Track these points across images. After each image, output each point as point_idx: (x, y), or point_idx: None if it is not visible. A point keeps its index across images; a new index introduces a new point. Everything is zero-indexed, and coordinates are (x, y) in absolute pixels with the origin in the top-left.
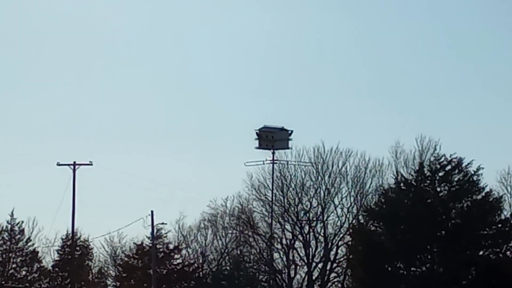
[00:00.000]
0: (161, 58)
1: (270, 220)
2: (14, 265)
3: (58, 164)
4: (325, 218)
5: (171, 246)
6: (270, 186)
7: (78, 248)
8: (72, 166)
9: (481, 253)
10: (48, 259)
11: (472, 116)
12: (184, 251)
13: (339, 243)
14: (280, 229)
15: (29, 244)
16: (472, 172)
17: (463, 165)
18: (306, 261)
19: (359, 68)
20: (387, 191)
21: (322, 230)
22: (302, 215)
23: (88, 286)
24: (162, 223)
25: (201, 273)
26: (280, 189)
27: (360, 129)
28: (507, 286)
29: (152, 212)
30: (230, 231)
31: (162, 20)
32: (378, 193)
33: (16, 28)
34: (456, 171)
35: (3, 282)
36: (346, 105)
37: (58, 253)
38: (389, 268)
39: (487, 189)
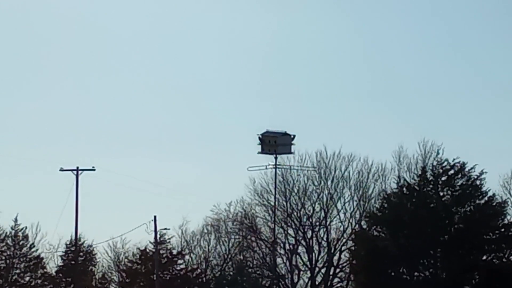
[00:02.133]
0: (163, 62)
1: (273, 225)
2: (17, 271)
3: (61, 170)
4: (328, 223)
5: (174, 252)
6: (273, 191)
7: (81, 253)
8: (75, 172)
9: (484, 257)
10: (52, 264)
11: (475, 120)
12: (187, 257)
13: (342, 248)
14: (283, 234)
15: (33, 249)
16: (475, 177)
17: (466, 169)
18: (309, 266)
19: (362, 72)
20: (389, 196)
21: (325, 235)
22: (305, 220)
23: None
24: (165, 229)
25: (204, 278)
26: (283, 194)
27: (362, 133)
28: None
29: (155, 217)
30: (233, 236)
31: (165, 25)
32: (380, 197)
33: (19, 32)
34: (459, 175)
35: None
36: (348, 109)
37: (61, 259)
38: (392, 273)
39: (490, 194)
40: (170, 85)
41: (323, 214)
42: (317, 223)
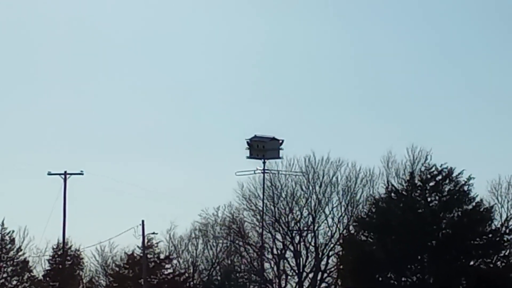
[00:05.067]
0: (153, 65)
1: (261, 230)
2: (4, 275)
3: (49, 174)
4: (315, 228)
5: (162, 256)
6: (261, 196)
7: (69, 257)
8: (63, 176)
9: (471, 263)
10: (39, 268)
11: (464, 126)
12: (175, 261)
13: (330, 253)
14: (271, 239)
15: (20, 253)
16: (463, 182)
17: (454, 175)
18: (296, 271)
19: (351, 77)
20: (377, 201)
21: (313, 240)
22: (292, 225)
23: None
24: (153, 233)
25: (192, 283)
26: (271, 199)
27: (351, 138)
28: None
29: (143, 221)
30: (221, 241)
31: (155, 28)
32: (369, 203)
33: (7, 37)
34: (447, 181)
35: None
36: (337, 114)
37: (49, 263)
38: (380, 278)
39: (477, 199)
40: (159, 90)
41: (311, 219)
42: (305, 228)
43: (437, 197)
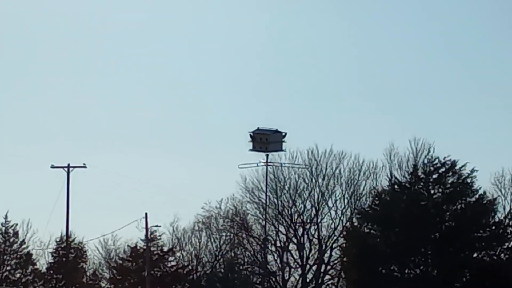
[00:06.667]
0: (155, 59)
1: (264, 222)
2: (8, 268)
3: (52, 167)
4: (319, 220)
5: (165, 249)
6: (264, 189)
7: (72, 250)
8: (66, 169)
9: (475, 255)
10: (42, 261)
11: (467, 118)
12: (178, 254)
13: (333, 246)
14: (274, 232)
15: (23, 246)
16: (466, 175)
17: (457, 167)
18: (300, 263)
19: (354, 70)
20: (381, 193)
21: (316, 233)
22: (296, 217)
23: None
24: (156, 226)
25: (195, 275)
26: (274, 191)
27: (354, 131)
28: None
29: (146, 214)
30: (224, 234)
31: (157, 22)
32: (372, 195)
33: (10, 30)
34: (450, 173)
35: None
36: (340, 107)
37: (52, 256)
38: (383, 271)
39: (481, 192)
40: (162, 83)
41: (314, 211)
42: (308, 221)
43: (440, 190)
